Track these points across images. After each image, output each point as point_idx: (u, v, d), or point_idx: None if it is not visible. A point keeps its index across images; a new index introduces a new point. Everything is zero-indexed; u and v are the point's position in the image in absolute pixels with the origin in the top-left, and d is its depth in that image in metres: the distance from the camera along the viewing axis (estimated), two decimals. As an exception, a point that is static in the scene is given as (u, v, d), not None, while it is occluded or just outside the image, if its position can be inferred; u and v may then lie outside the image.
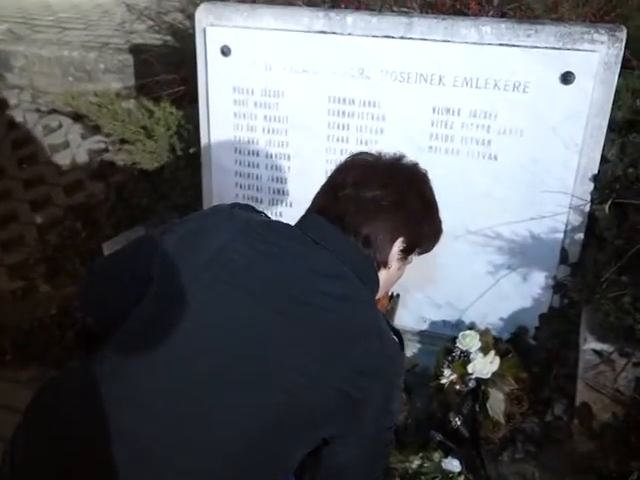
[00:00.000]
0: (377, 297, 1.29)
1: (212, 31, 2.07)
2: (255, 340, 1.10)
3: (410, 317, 2.11)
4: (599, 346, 1.65)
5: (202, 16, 2.09)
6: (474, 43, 1.83)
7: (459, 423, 1.78)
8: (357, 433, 1.14)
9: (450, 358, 1.84)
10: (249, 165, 2.19)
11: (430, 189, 1.33)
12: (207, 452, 1.05)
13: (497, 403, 1.78)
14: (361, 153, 1.37)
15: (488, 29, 1.82)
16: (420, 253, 1.34)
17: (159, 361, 1.10)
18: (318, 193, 1.31)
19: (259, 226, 1.22)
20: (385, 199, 1.23)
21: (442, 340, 1.97)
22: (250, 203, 1.34)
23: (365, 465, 1.20)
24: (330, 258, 1.17)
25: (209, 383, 1.08)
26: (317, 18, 1.96)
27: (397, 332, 1.23)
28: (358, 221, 1.21)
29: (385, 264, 1.25)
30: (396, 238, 1.24)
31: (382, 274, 1.25)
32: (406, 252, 1.27)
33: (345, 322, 1.13)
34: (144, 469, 1.05)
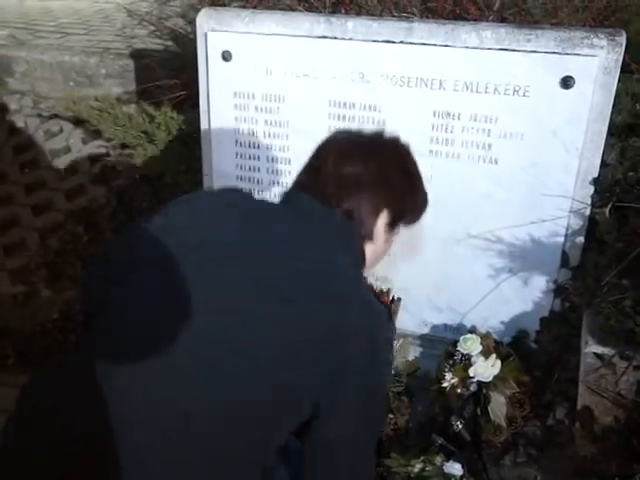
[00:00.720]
0: (366, 269, 1.28)
1: (213, 36, 2.08)
2: (245, 336, 1.09)
3: (411, 321, 2.11)
4: (600, 349, 1.65)
5: (203, 21, 2.09)
6: (474, 48, 1.83)
7: (460, 427, 1.78)
8: (345, 403, 1.12)
9: (451, 362, 1.84)
10: (250, 169, 2.19)
11: (412, 162, 1.33)
12: (203, 444, 1.04)
13: (498, 406, 1.78)
14: (341, 130, 1.38)
15: (488, 34, 1.82)
16: (406, 225, 1.34)
17: (150, 356, 1.09)
18: (300, 171, 1.31)
19: (249, 211, 1.22)
20: (366, 174, 1.23)
21: (443, 344, 1.96)
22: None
23: (356, 440, 1.17)
24: (315, 236, 1.18)
25: (202, 376, 1.07)
26: (318, 23, 1.97)
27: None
28: (340, 197, 1.22)
29: (371, 237, 1.25)
30: (379, 212, 1.25)
31: (369, 247, 1.26)
32: (391, 225, 1.28)
33: (334, 290, 1.12)
34: (145, 471, 1.04)
